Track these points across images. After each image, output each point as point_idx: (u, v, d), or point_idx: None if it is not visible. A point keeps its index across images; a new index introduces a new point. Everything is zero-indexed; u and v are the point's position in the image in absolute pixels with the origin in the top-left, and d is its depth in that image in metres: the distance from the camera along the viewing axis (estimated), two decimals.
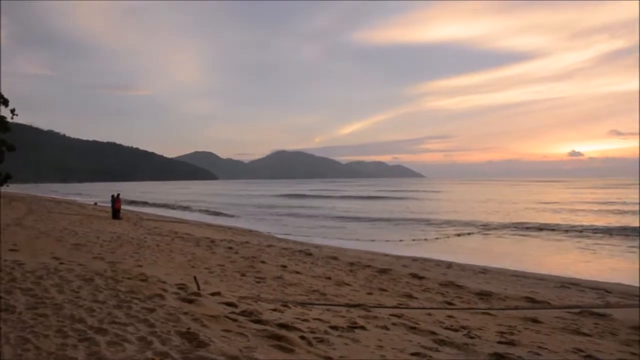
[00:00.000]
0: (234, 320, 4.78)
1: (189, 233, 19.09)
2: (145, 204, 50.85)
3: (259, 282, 9.01)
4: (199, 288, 6.62)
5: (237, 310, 5.30)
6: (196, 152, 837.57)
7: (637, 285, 12.02)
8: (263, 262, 11.76)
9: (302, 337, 4.43)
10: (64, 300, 5.12)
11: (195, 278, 7.28)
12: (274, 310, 5.81)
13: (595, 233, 22.11)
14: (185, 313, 4.82)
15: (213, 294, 6.24)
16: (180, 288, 6.33)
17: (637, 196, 51.47)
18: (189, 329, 4.23)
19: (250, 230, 24.91)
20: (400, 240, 20.71)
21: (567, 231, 23.01)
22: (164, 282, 6.73)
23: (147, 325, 4.30)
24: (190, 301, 5.42)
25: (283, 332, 4.51)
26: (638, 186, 79.28)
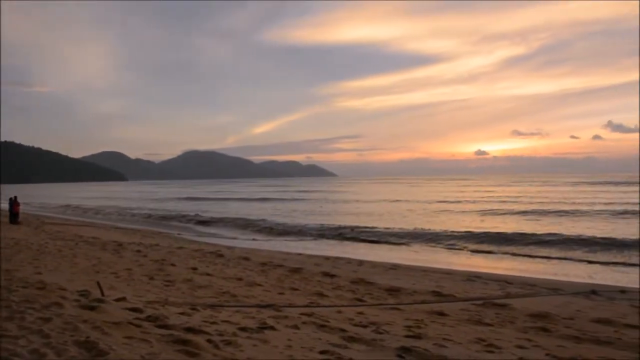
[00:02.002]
0: (138, 326, 4.60)
1: (96, 237, 18.32)
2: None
3: (167, 286, 8.75)
4: (102, 294, 6.33)
5: (142, 316, 5.11)
6: (104, 152, 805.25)
7: (535, 276, 12.80)
8: (173, 264, 11.44)
9: (209, 341, 4.33)
10: None
11: (98, 283, 6.95)
12: (182, 314, 5.65)
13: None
14: (85, 321, 4.59)
15: (118, 300, 5.99)
16: (82, 295, 6.03)
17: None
18: (88, 337, 4.02)
19: (160, 233, 24.26)
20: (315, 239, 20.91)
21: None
22: (64, 289, 6.39)
23: (41, 336, 4.05)
24: (92, 308, 5.17)
25: (189, 336, 4.39)
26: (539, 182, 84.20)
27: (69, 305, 5.23)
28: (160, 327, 4.68)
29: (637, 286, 11.28)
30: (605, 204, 37.33)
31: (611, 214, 29.34)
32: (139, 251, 13.78)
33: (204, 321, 5.30)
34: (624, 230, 22.07)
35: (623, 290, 10.20)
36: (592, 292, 9.82)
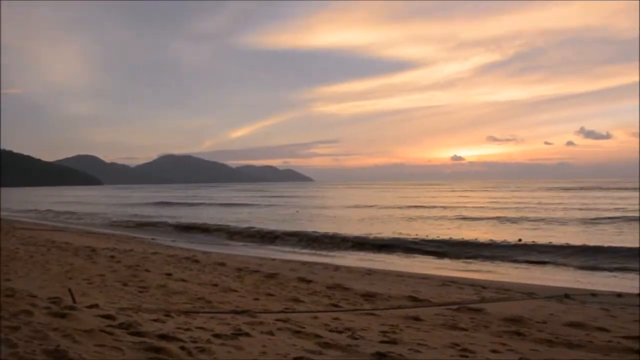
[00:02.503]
0: (110, 333, 4.52)
1: (68, 242, 18.02)
2: None
3: (141, 292, 8.63)
4: (74, 301, 6.22)
5: (115, 323, 5.02)
6: (78, 156, 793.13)
7: (510, 280, 12.97)
8: (147, 270, 11.30)
9: (183, 348, 4.28)
10: None
11: (70, 290, 6.83)
12: (156, 320, 5.58)
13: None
14: (55, 329, 4.50)
15: (90, 307, 5.88)
16: (52, 302, 5.91)
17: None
18: (57, 346, 3.94)
19: (135, 238, 23.99)
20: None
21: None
22: (35, 297, 6.26)
23: (8, 346, 3.94)
24: (63, 316, 5.07)
25: (163, 343, 4.33)
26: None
27: (39, 313, 5.12)
28: (133, 334, 4.61)
29: (608, 289, 11.54)
30: (580, 209, 37.90)
31: (583, 221, 29.77)
32: (112, 257, 13.59)
33: (177, 328, 5.23)
34: (597, 235, 22.47)
35: (594, 294, 10.44)
36: (566, 295, 10.01)
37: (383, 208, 46.64)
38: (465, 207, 45.60)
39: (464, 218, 34.07)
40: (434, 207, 46.08)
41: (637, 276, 13.68)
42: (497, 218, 32.92)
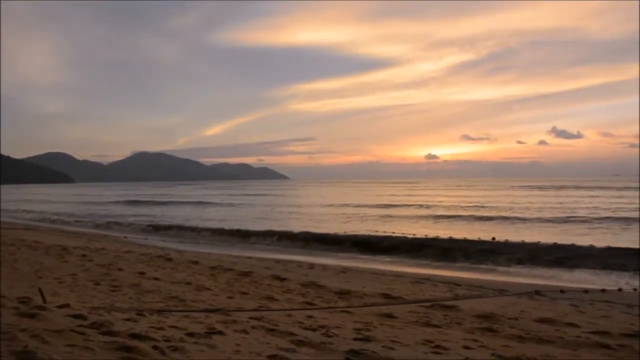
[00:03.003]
0: (81, 333, 4.45)
1: (39, 240, 17.70)
2: None
3: (114, 291, 8.53)
4: (44, 300, 6.11)
5: (86, 323, 4.94)
6: (49, 153, 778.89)
7: (483, 277, 13.15)
8: (120, 269, 11.17)
9: (155, 347, 4.23)
10: None
11: (40, 290, 6.70)
12: (128, 319, 5.51)
13: None
14: (24, 330, 4.40)
15: (60, 306, 5.78)
16: (21, 302, 5.80)
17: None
18: (25, 347, 3.85)
19: (107, 236, 23.69)
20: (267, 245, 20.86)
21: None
22: (3, 297, 6.12)
23: None
24: (32, 316, 4.96)
25: (135, 342, 4.27)
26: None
27: (7, 314, 5.01)
28: (104, 334, 4.54)
29: (575, 286, 11.81)
30: (552, 208, 38.43)
31: (555, 219, 30.21)
32: (84, 255, 13.40)
33: (150, 327, 5.18)
34: (567, 234, 22.88)
35: (562, 290, 10.69)
36: (536, 292, 10.24)
37: (357, 206, 46.56)
38: (439, 205, 45.85)
39: (438, 216, 34.30)
40: (409, 205, 46.19)
41: (603, 273, 14.00)
42: (471, 216, 33.29)
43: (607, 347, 5.71)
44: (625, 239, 20.09)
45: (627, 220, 27.40)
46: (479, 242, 19.97)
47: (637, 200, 41.24)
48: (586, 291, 10.87)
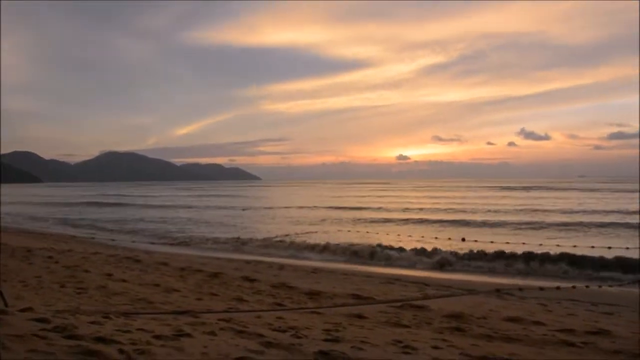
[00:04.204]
0: (43, 337, 4.33)
1: (3, 242, 17.26)
2: None
3: (79, 293, 8.36)
4: (6, 304, 5.94)
5: (49, 326, 4.82)
6: (15, 152, 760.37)
7: (451, 277, 13.28)
8: (86, 271, 10.95)
9: (121, 350, 4.14)
10: None
11: (1, 293, 6.52)
12: (93, 323, 5.39)
13: None
14: None
15: (23, 310, 5.63)
16: None
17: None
18: None
19: (74, 237, 23.25)
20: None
21: None
22: None
23: None
24: None
25: (99, 346, 4.18)
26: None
27: None
28: (67, 337, 4.43)
29: (533, 284, 12.07)
30: (522, 209, 38.80)
31: (524, 220, 30.59)
32: (50, 257, 13.11)
33: (116, 330, 5.08)
34: (532, 236, 23.26)
35: (521, 289, 11.00)
36: (497, 290, 10.49)
37: (326, 209, 46.03)
38: (410, 208, 45.67)
39: (408, 219, 34.38)
40: (379, 208, 45.58)
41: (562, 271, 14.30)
42: (441, 216, 33.56)
43: (572, 345, 5.81)
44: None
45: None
46: (450, 242, 20.12)
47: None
48: (541, 288, 11.09)
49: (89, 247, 17.47)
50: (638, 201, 42.51)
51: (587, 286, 11.82)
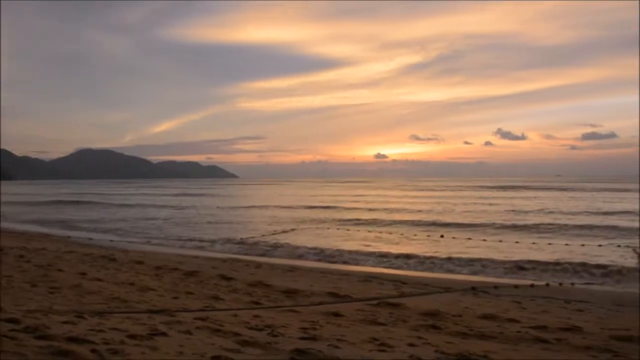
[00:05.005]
0: (13, 338, 4.26)
1: None
2: None
3: (52, 293, 8.21)
4: None
5: (19, 327, 4.74)
6: None
7: (428, 275, 13.36)
8: (60, 270, 10.78)
9: (94, 350, 4.09)
10: None
11: None
12: (66, 322, 5.32)
13: None
14: None
15: None
16: None
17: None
18: None
19: (48, 236, 22.87)
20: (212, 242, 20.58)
21: None
22: None
23: None
24: None
25: (72, 346, 4.13)
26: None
27: None
28: (39, 338, 4.37)
29: (509, 281, 12.21)
30: (497, 210, 39.00)
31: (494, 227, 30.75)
32: (21, 256, 12.86)
33: (90, 330, 5.01)
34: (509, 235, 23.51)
35: (496, 287, 11.09)
36: (472, 288, 10.60)
37: (303, 208, 45.11)
38: (388, 208, 45.25)
39: (382, 220, 34.38)
40: (355, 209, 44.53)
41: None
42: (419, 216, 33.65)
43: (545, 341, 5.90)
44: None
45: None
46: (428, 240, 20.24)
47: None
48: (516, 286, 11.23)
49: (63, 246, 17.19)
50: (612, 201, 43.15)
51: (560, 284, 11.99)
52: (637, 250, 14.22)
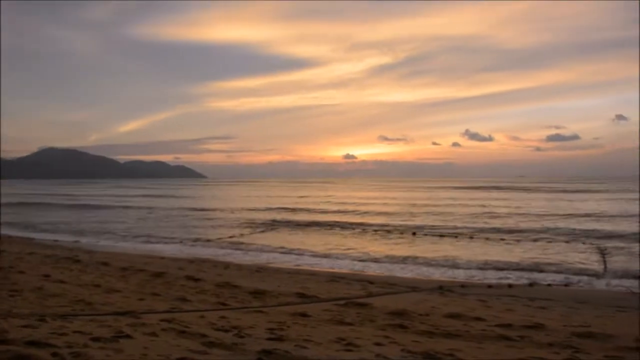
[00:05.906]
0: None
1: None
2: None
3: (12, 296, 8.00)
4: None
5: None
6: None
7: (396, 275, 13.46)
8: (21, 272, 10.54)
9: (55, 354, 4.01)
10: None
11: None
12: (26, 326, 5.20)
13: None
14: None
15: None
16: None
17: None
18: None
19: (9, 237, 22.31)
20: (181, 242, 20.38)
21: None
22: None
23: None
24: None
25: (31, 350, 4.04)
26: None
27: None
28: None
29: (476, 281, 12.40)
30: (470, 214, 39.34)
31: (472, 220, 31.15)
32: None
33: (51, 333, 4.91)
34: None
35: (463, 285, 11.30)
36: (440, 287, 10.72)
37: (270, 210, 44.11)
38: (357, 210, 44.81)
39: (353, 222, 34.54)
40: (324, 211, 43.42)
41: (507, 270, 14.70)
42: (388, 217, 33.82)
43: (509, 339, 6.00)
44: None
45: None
46: (400, 239, 20.37)
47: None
48: (490, 286, 11.40)
49: (25, 248, 16.79)
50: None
51: (531, 284, 12.16)
52: (601, 249, 14.58)
